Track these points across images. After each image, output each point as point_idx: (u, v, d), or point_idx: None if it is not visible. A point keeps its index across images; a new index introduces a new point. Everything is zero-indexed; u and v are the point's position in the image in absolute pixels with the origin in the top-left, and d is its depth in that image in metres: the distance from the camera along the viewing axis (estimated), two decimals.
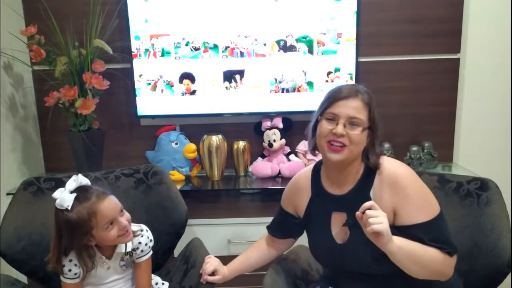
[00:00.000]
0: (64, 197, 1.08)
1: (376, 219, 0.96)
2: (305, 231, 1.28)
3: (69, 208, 1.07)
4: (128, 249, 1.21)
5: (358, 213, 0.98)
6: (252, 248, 1.38)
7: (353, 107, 1.06)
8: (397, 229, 1.04)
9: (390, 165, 1.09)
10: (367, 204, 0.98)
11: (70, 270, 1.18)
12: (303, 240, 1.39)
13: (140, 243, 1.24)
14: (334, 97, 1.09)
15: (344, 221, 1.12)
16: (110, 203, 1.12)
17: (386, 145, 2.03)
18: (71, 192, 1.10)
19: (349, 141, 1.05)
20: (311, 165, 1.26)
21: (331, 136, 1.06)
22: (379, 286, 1.11)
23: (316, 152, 1.16)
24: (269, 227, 1.36)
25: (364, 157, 1.12)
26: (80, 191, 1.11)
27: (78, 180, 1.12)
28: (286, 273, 1.34)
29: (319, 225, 1.18)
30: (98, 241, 1.14)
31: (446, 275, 1.06)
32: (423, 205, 1.04)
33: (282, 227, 1.32)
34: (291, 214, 1.28)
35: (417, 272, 1.03)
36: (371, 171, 1.10)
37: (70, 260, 1.18)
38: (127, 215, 1.18)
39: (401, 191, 1.04)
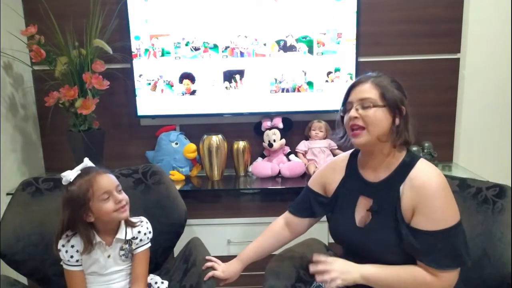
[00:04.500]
0: (69, 174, 1.19)
1: (331, 275, 1.07)
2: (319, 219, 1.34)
3: (71, 180, 1.17)
4: (128, 237, 1.26)
5: (311, 267, 1.12)
6: (265, 234, 1.37)
7: (361, 90, 1.11)
8: (409, 229, 1.06)
9: (424, 170, 1.08)
10: (321, 259, 1.11)
11: (72, 257, 1.21)
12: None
13: (139, 232, 1.29)
14: (349, 88, 1.16)
15: (369, 206, 1.14)
16: (107, 177, 1.21)
17: None
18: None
19: (364, 122, 1.09)
20: (352, 149, 1.28)
21: (350, 122, 1.12)
22: None
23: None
24: (290, 206, 1.37)
25: (398, 145, 1.12)
26: (84, 169, 1.22)
27: (85, 163, 1.23)
28: (290, 262, 1.34)
29: (344, 206, 1.21)
30: (96, 215, 1.19)
31: None
32: (439, 218, 1.04)
33: (306, 205, 1.32)
34: (318, 193, 1.30)
35: None
36: (408, 166, 1.10)
37: (72, 246, 1.21)
38: (124, 195, 1.23)
39: (423, 199, 1.04)
